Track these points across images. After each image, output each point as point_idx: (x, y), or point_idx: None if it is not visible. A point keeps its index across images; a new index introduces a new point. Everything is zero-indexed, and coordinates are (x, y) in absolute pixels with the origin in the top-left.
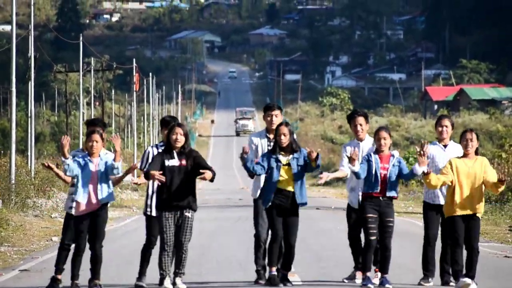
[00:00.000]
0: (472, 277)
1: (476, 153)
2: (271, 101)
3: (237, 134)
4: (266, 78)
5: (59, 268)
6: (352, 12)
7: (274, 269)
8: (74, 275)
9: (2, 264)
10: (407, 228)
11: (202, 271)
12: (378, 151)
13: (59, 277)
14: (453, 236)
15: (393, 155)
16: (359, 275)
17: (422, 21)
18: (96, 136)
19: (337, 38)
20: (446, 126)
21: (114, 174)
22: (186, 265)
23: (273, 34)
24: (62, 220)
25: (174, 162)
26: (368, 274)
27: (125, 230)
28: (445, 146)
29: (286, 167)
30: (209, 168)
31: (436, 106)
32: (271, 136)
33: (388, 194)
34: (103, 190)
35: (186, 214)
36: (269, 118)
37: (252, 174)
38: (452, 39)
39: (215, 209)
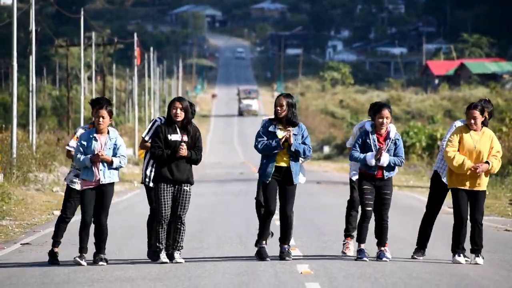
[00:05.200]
0: (477, 251)
1: (486, 124)
2: (272, 75)
3: (241, 114)
4: (267, 53)
5: (57, 241)
6: None
7: (264, 242)
8: (83, 248)
9: (4, 238)
10: (408, 202)
11: (202, 245)
12: (376, 128)
13: (56, 250)
14: (457, 212)
15: (389, 138)
16: (348, 241)
17: None
18: (103, 112)
19: (339, 12)
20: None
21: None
22: (184, 238)
23: (275, 8)
24: (63, 194)
25: (176, 137)
26: (363, 246)
27: (126, 204)
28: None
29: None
30: (196, 150)
31: (437, 81)
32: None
33: (386, 175)
34: (106, 170)
35: (185, 188)
36: None
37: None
38: (453, 13)
39: (216, 183)
